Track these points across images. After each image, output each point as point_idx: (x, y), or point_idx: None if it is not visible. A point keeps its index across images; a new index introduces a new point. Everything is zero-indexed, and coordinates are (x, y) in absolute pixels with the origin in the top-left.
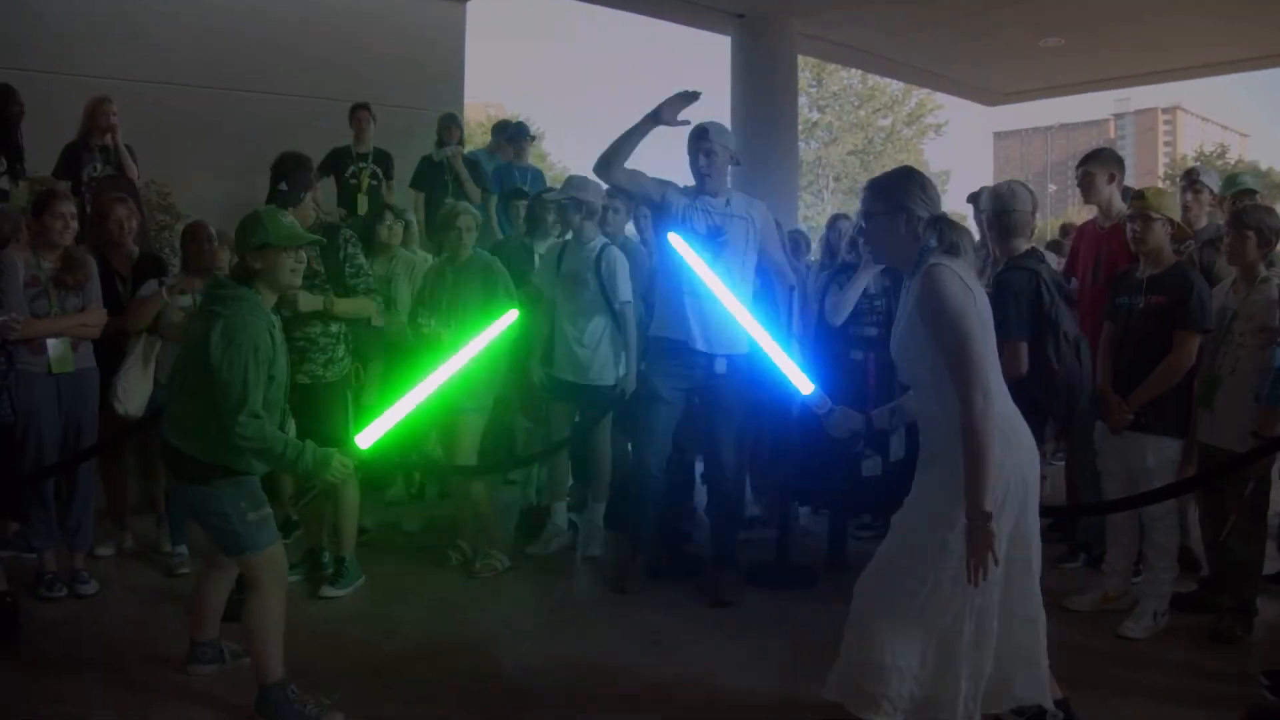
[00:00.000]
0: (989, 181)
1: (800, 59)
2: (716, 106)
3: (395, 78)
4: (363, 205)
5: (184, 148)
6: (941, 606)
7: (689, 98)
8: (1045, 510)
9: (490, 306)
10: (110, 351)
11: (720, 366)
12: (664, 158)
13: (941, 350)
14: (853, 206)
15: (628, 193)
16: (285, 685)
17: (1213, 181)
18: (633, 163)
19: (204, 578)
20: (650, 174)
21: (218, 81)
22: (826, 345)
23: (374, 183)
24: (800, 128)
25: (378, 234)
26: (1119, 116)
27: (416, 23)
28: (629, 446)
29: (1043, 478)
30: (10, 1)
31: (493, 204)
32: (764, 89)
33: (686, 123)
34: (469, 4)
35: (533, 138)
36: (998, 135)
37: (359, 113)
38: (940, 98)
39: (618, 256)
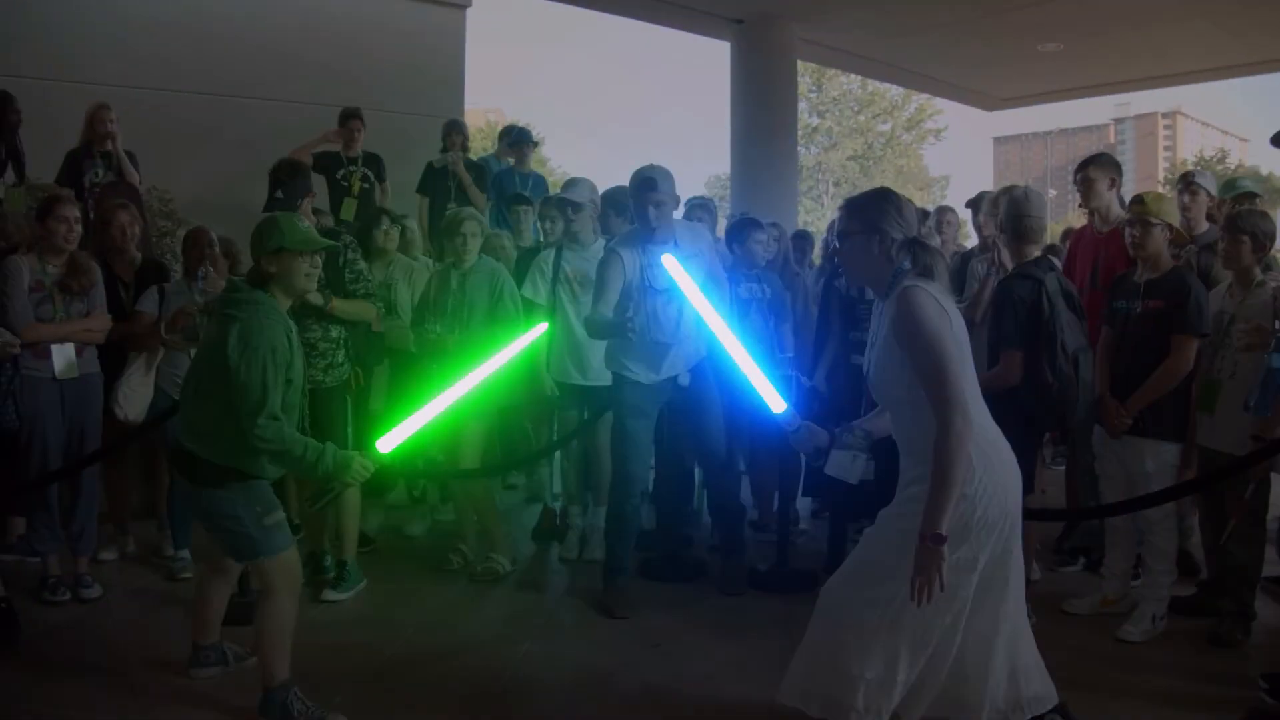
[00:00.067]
0: (989, 187)
1: (800, 64)
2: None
3: (395, 84)
4: (350, 209)
5: (184, 154)
6: (910, 622)
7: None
8: (1045, 514)
9: (496, 313)
10: (114, 357)
11: (684, 380)
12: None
13: (918, 373)
14: None
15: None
16: (289, 688)
17: (1209, 184)
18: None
19: (206, 582)
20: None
21: (218, 88)
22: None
23: (365, 185)
24: (800, 133)
25: (374, 239)
26: (1119, 121)
27: (416, 29)
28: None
29: (1042, 491)
30: (9, 7)
31: (488, 209)
32: (763, 94)
33: None
34: (469, 10)
35: (535, 143)
36: (997, 140)
37: (351, 122)
38: (940, 103)
39: None
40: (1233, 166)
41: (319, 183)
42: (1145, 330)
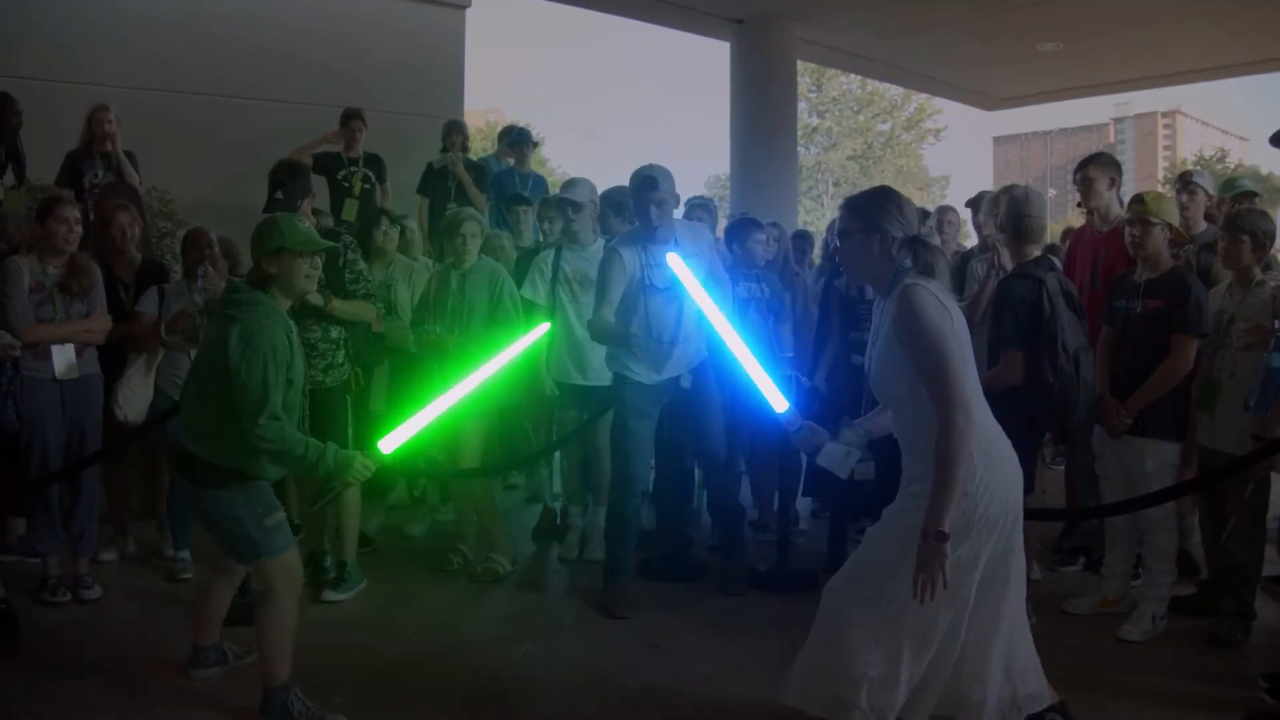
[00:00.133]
0: (989, 186)
1: (799, 64)
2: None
3: (395, 84)
4: (351, 210)
5: (184, 154)
6: (914, 618)
7: None
8: (1045, 514)
9: (496, 313)
10: (114, 358)
11: (686, 382)
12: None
13: (919, 371)
14: None
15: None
16: (290, 688)
17: (1207, 183)
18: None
19: (210, 582)
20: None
21: (218, 88)
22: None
23: (367, 186)
24: (800, 133)
25: (374, 239)
26: (1118, 121)
27: (416, 29)
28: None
29: (1042, 490)
30: (10, 7)
31: (488, 209)
32: (763, 94)
33: None
34: (468, 10)
35: (535, 144)
36: (997, 140)
37: (352, 122)
38: (939, 102)
39: None
40: (1232, 166)
41: (320, 184)
42: (1145, 330)
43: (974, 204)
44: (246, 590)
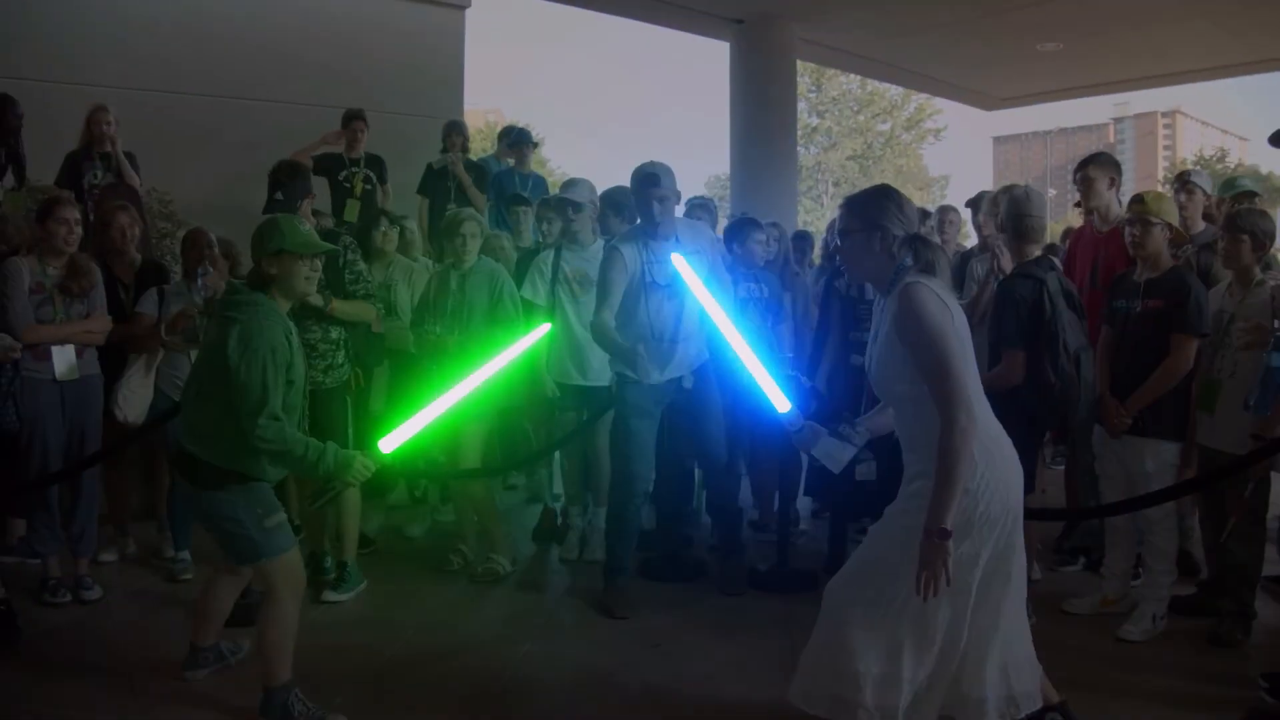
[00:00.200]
0: (989, 186)
1: (799, 64)
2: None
3: (395, 84)
4: (353, 210)
5: (185, 155)
6: (915, 617)
7: None
8: (1045, 514)
9: (496, 313)
10: (114, 359)
11: (688, 383)
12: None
13: (921, 369)
14: None
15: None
16: (290, 688)
17: (1205, 183)
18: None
19: (214, 581)
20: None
21: (218, 89)
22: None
23: (368, 187)
24: (799, 133)
25: (373, 240)
26: (1118, 121)
27: (416, 29)
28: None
29: (1042, 490)
30: (10, 8)
31: (487, 209)
32: (763, 94)
33: None
34: (468, 10)
35: (535, 144)
36: (997, 140)
37: (354, 123)
38: (939, 102)
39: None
40: (1232, 166)
41: (321, 184)
42: (1145, 330)
43: (974, 204)
44: (247, 591)
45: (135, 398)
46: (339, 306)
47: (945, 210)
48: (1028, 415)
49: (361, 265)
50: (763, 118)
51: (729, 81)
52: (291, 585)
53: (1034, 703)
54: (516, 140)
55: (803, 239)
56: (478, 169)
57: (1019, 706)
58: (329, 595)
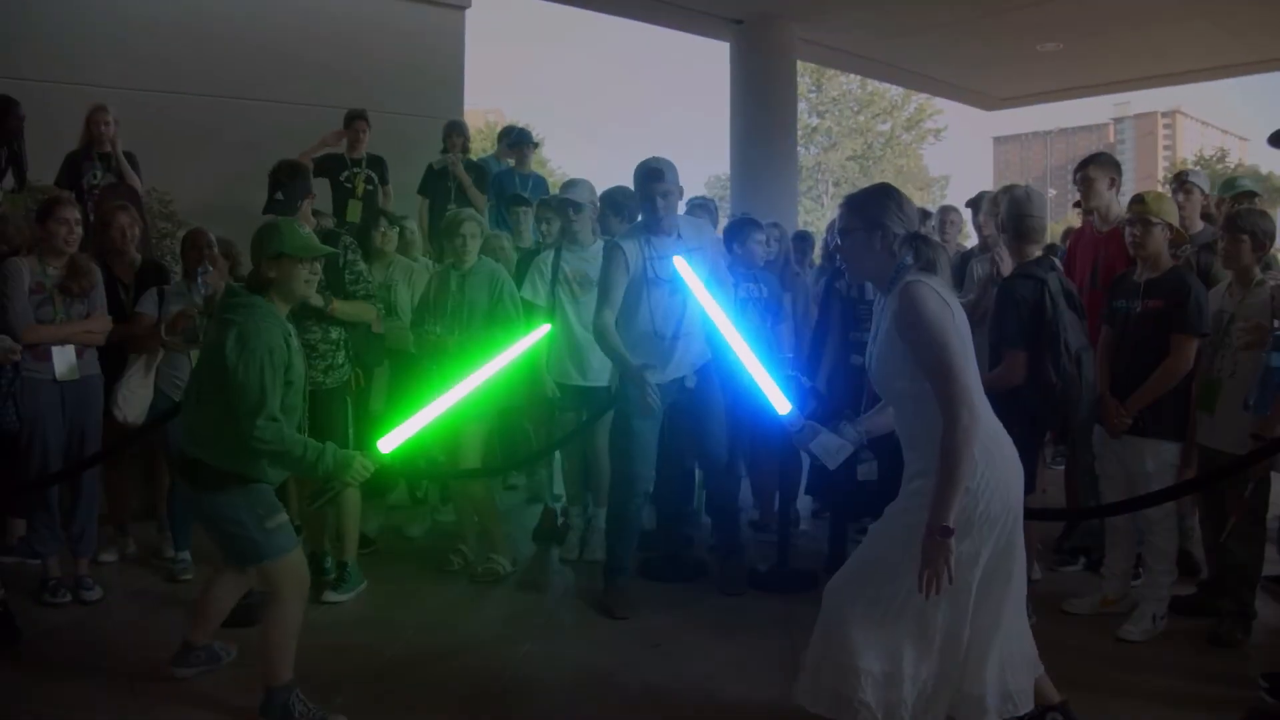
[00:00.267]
0: (989, 186)
1: (799, 64)
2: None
3: (395, 84)
4: (355, 211)
5: (185, 155)
6: (915, 616)
7: None
8: (1045, 514)
9: (496, 314)
10: (114, 359)
11: (690, 382)
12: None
13: (922, 367)
14: None
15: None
16: (291, 688)
17: (1203, 183)
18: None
19: (216, 579)
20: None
21: (218, 89)
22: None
23: (369, 188)
24: (799, 133)
25: (372, 240)
26: (1118, 121)
27: (416, 29)
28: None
29: (1042, 490)
30: (10, 8)
31: (487, 210)
32: (763, 94)
33: None
34: (468, 10)
35: (535, 144)
36: (997, 140)
37: (356, 123)
38: (939, 102)
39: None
40: (1232, 166)
41: (323, 185)
42: (1145, 330)
43: (974, 204)
44: (249, 591)
45: (135, 398)
46: (339, 307)
47: (946, 210)
48: (1029, 415)
49: (362, 265)
50: (763, 118)
51: (729, 82)
52: (295, 585)
53: (1028, 698)
54: (516, 140)
55: (803, 239)
56: (478, 169)
57: (1015, 704)
58: (329, 595)
